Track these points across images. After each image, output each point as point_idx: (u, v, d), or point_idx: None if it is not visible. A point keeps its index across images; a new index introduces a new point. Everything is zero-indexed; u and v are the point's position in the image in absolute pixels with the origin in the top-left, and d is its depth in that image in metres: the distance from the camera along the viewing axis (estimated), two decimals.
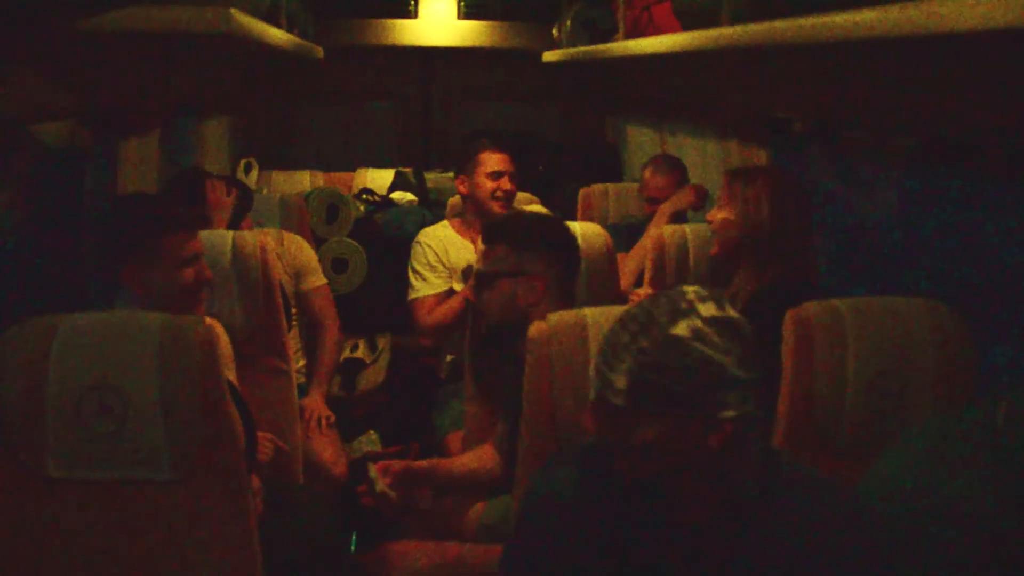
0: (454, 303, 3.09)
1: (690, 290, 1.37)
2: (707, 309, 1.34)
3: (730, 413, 1.32)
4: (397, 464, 2.14)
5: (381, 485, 2.05)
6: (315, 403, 3.02)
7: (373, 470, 2.08)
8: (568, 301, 2.19)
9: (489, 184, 3.20)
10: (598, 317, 1.72)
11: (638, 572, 1.43)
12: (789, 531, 1.37)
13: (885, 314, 1.81)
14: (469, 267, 3.05)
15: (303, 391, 3.04)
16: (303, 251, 3.27)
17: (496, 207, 3.18)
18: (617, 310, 1.75)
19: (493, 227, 2.31)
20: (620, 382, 1.34)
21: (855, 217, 2.87)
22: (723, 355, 1.31)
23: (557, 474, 1.50)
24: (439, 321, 3.13)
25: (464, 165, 3.25)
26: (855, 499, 1.44)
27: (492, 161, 3.21)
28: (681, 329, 1.32)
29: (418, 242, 3.28)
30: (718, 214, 2.36)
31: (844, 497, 1.43)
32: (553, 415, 1.72)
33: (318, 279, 3.27)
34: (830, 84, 2.07)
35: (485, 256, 2.26)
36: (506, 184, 3.20)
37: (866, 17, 1.38)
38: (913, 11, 1.22)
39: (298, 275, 3.22)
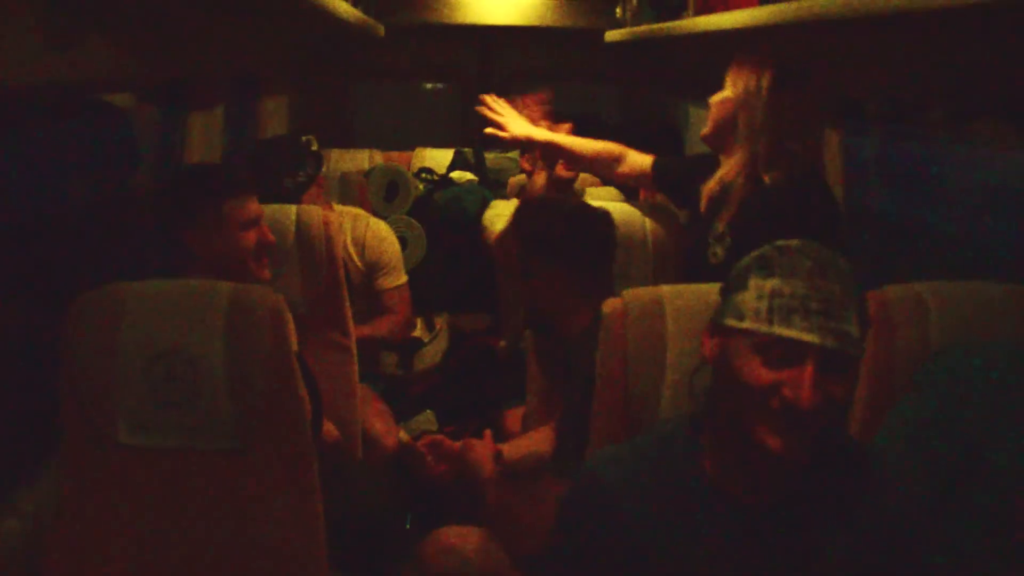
0: None
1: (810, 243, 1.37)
2: None
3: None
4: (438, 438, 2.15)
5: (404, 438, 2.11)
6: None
7: (403, 435, 2.13)
8: (597, 296, 2.03)
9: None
10: (675, 294, 1.68)
11: (700, 558, 1.38)
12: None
13: (969, 299, 1.74)
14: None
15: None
16: (384, 246, 3.17)
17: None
18: (693, 287, 1.71)
19: (512, 218, 2.27)
20: (856, 330, 1.29)
21: (931, 203, 2.78)
22: None
23: (607, 471, 1.44)
24: None
25: None
26: None
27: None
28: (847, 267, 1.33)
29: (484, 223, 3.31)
30: (718, 96, 2.30)
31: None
32: (626, 392, 1.68)
33: (397, 278, 3.19)
34: (919, 61, 1.99)
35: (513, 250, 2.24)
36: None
37: None
38: None
39: (373, 268, 3.15)
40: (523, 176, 3.79)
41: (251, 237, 2.16)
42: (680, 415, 1.51)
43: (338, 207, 3.17)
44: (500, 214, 3.31)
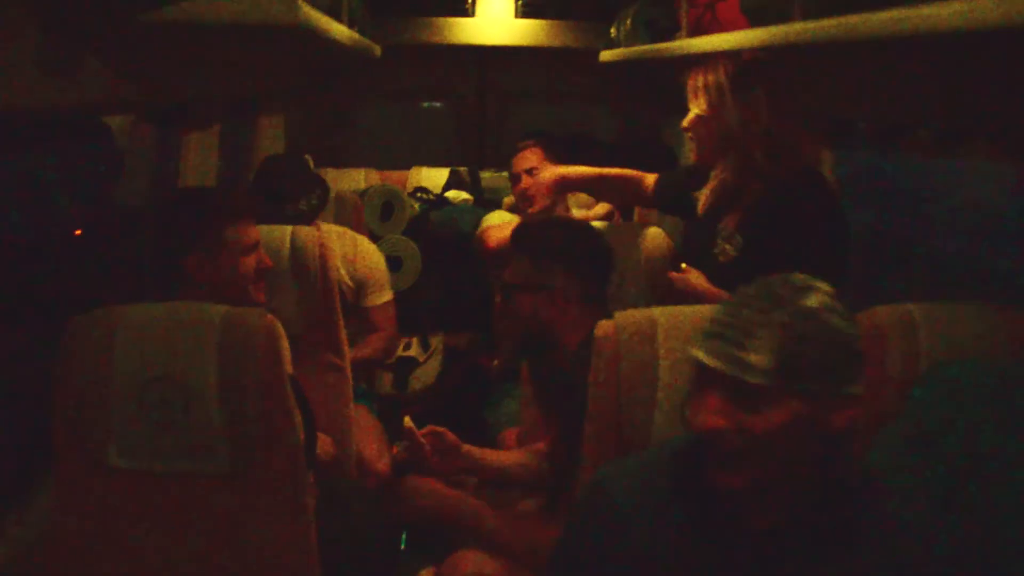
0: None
1: (794, 275, 1.36)
2: (826, 287, 1.34)
3: (857, 389, 1.31)
4: (440, 430, 2.18)
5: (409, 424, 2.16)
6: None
7: (408, 421, 2.17)
8: (597, 309, 2.11)
9: (515, 187, 3.32)
10: (667, 316, 1.69)
11: None
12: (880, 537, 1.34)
13: (958, 320, 1.75)
14: None
15: (358, 393, 3.02)
16: (373, 264, 3.19)
17: (523, 207, 3.22)
18: (686, 309, 1.72)
19: (515, 234, 2.26)
20: (762, 359, 1.28)
21: (922, 220, 2.79)
22: (850, 327, 1.32)
23: (617, 483, 1.45)
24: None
25: None
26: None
27: (515, 163, 3.31)
28: (813, 302, 1.31)
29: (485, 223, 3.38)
30: (688, 118, 2.26)
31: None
32: (618, 414, 1.69)
33: (383, 295, 3.20)
34: (909, 83, 2.01)
35: (511, 264, 2.22)
36: (525, 182, 3.22)
37: (955, 9, 1.33)
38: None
39: (362, 286, 3.15)
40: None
41: (251, 262, 2.16)
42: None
43: (324, 226, 3.16)
44: (501, 216, 3.38)
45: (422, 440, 2.15)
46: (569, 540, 1.51)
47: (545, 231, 2.23)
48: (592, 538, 1.45)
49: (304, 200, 2.89)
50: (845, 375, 1.31)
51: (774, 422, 1.29)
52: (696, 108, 2.24)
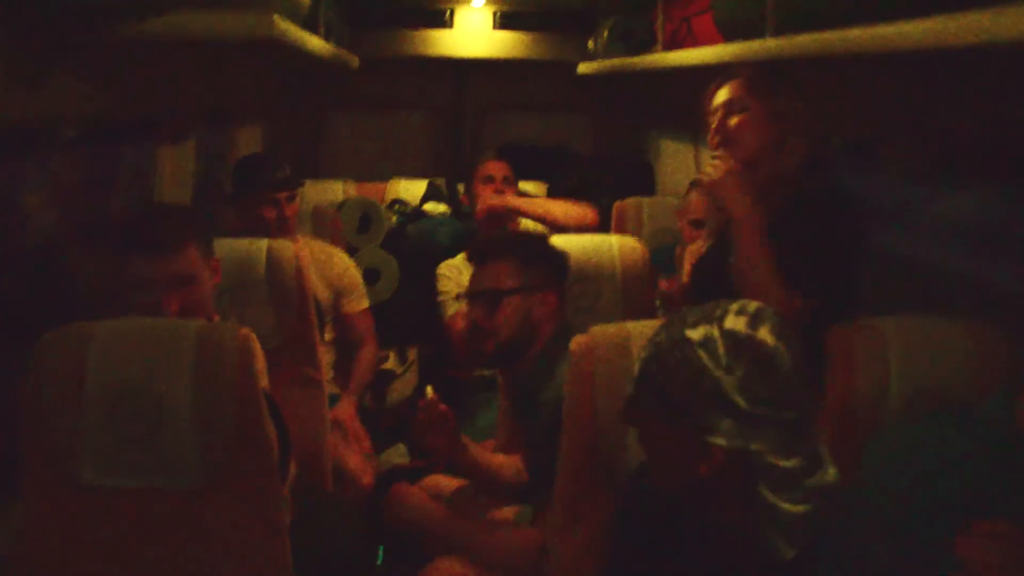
0: None
1: (751, 304, 1.31)
2: (734, 322, 1.27)
3: (719, 440, 1.25)
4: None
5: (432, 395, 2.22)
6: (347, 413, 3.00)
7: (431, 391, 2.25)
8: (564, 316, 2.23)
9: (488, 186, 3.43)
10: (641, 330, 1.69)
11: None
12: None
13: (928, 335, 1.75)
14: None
15: (333, 401, 3.02)
16: (349, 272, 3.23)
17: (492, 207, 3.39)
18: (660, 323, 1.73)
19: (495, 243, 2.30)
20: (634, 370, 1.34)
21: (894, 234, 2.82)
22: (722, 372, 1.25)
23: None
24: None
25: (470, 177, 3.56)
26: None
27: (492, 166, 3.48)
28: (696, 333, 1.28)
29: (438, 275, 3.35)
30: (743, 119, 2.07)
31: None
32: (594, 429, 1.69)
33: (361, 302, 3.24)
34: (879, 98, 2.03)
35: (486, 274, 2.23)
36: (499, 187, 3.42)
37: (919, 28, 1.35)
38: (973, 18, 1.19)
39: (339, 294, 3.18)
40: None
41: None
42: None
43: (301, 239, 3.18)
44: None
45: (443, 410, 2.20)
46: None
47: (525, 236, 2.34)
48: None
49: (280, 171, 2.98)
50: (702, 418, 1.26)
51: (644, 439, 1.39)
52: (756, 110, 2.06)
